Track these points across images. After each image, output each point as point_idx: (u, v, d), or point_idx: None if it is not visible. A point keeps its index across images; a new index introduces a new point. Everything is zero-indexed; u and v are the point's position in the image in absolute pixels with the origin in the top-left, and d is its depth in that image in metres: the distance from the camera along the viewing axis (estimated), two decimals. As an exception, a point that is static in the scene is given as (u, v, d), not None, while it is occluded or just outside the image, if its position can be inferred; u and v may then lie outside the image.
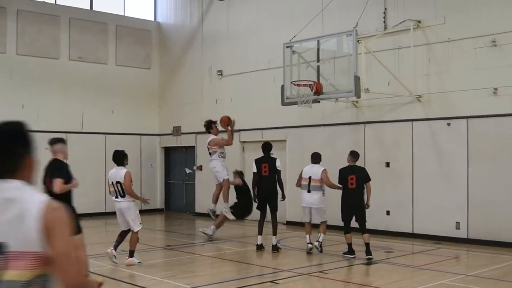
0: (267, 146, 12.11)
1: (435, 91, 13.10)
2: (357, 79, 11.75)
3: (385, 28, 13.90)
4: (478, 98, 12.37)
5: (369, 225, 11.29)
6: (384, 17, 14.01)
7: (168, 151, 20.53)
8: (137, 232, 10.10)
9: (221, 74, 18.16)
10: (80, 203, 17.45)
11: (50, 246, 2.34)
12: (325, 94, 12.34)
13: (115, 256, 10.09)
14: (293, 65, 13.10)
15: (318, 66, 12.53)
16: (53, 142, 8.25)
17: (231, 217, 13.30)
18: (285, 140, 16.23)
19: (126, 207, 10.03)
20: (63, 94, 18.23)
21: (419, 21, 13.33)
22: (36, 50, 17.82)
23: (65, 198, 7.39)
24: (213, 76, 18.45)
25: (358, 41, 12.18)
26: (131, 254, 10.18)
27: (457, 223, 12.64)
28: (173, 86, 20.03)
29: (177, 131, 19.71)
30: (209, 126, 13.57)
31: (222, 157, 13.38)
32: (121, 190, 9.99)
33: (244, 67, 17.33)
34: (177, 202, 20.08)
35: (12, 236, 2.34)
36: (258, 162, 11.88)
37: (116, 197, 10.08)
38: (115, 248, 10.17)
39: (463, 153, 12.59)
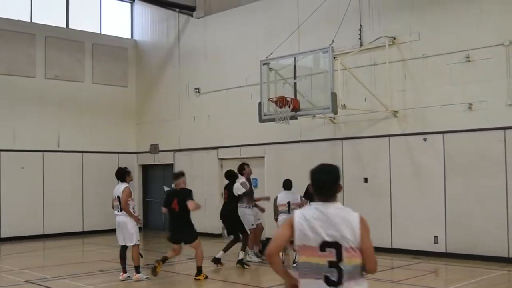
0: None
1: (411, 107, 13.24)
2: (333, 96, 11.83)
3: (361, 44, 14.04)
4: (453, 113, 12.52)
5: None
6: (360, 34, 14.15)
7: (146, 169, 20.42)
8: (136, 247, 10.42)
9: (198, 91, 18.17)
10: (57, 221, 17.47)
11: (362, 243, 3.79)
12: (302, 110, 12.39)
13: (129, 277, 10.50)
14: (270, 82, 13.10)
15: (295, 83, 12.57)
16: (177, 176, 10.96)
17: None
18: (263, 157, 16.21)
19: (123, 221, 10.46)
20: (39, 113, 18.09)
21: (394, 38, 13.49)
22: (11, 68, 17.67)
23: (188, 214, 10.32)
24: (190, 93, 18.45)
25: (334, 57, 12.28)
26: (137, 270, 10.50)
27: (435, 237, 12.73)
28: (151, 103, 20.00)
29: (154, 148, 19.63)
30: (241, 168, 12.81)
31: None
32: (120, 204, 10.51)
33: (222, 84, 17.38)
34: (155, 220, 19.91)
35: (347, 237, 3.77)
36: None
37: (117, 211, 10.54)
38: (124, 271, 10.55)
39: (440, 168, 12.70)
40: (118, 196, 10.48)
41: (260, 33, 16.43)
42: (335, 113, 12.13)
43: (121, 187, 10.55)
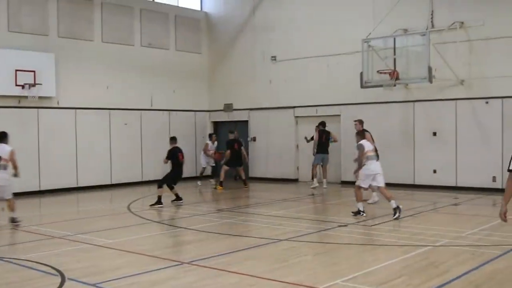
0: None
1: (475, 77, 16.99)
2: (429, 69, 15.49)
3: (433, 26, 17.62)
4: (511, 82, 16.35)
5: (419, 182, 16.54)
6: (432, 17, 17.72)
7: (217, 125, 23.70)
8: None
9: (275, 59, 21.46)
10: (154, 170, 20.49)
11: None
12: (402, 79, 16.00)
13: None
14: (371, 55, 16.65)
15: (394, 58, 16.14)
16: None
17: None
18: (340, 115, 19.79)
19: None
20: (136, 77, 21.07)
21: (462, 22, 17.12)
22: (116, 37, 20.51)
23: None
24: (266, 60, 21.73)
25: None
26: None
27: (494, 177, 16.66)
28: (223, 68, 23.21)
29: (228, 107, 22.90)
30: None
31: None
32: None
33: (298, 54, 20.70)
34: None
35: None
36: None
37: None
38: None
39: (498, 124, 16.57)
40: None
41: (335, 11, 19.79)
42: (431, 82, 15.79)
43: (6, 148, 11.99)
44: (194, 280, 7.54)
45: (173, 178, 15.31)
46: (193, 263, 8.40)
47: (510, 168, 6.11)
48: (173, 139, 15.63)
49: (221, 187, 18.82)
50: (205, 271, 7.94)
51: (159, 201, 14.66)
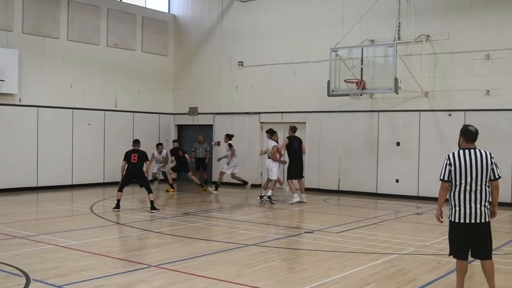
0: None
1: (439, 90, 17.33)
2: (396, 80, 15.73)
3: (399, 38, 17.91)
4: (474, 96, 16.73)
5: (381, 191, 16.73)
6: (398, 30, 18.02)
7: (181, 128, 23.56)
8: None
9: (242, 65, 21.48)
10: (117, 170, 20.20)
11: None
12: (368, 89, 16.20)
13: None
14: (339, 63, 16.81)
15: (361, 68, 16.34)
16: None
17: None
18: (305, 122, 19.89)
19: None
20: (102, 77, 20.81)
21: (428, 36, 17.46)
22: (82, 36, 20.21)
23: None
24: (233, 66, 21.73)
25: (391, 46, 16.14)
26: None
27: (454, 188, 16.95)
28: (189, 72, 23.12)
29: (193, 111, 22.80)
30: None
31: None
32: None
33: (265, 60, 20.78)
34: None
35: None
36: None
37: None
38: None
39: (460, 137, 16.89)
40: None
41: (304, 20, 19.94)
42: (397, 93, 16.03)
43: None
44: (163, 283, 7.45)
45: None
46: (161, 266, 8.31)
47: (442, 177, 6.63)
48: (135, 142, 15.54)
49: (172, 190, 19.19)
50: (174, 275, 7.86)
51: (117, 205, 14.45)
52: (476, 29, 16.81)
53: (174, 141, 20.63)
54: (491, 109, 16.51)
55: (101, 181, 20.68)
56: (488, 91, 16.59)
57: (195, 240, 10.61)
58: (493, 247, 9.72)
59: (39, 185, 18.85)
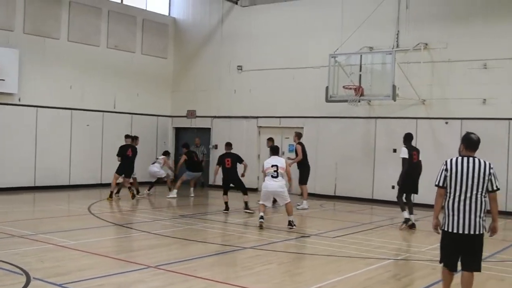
0: None
1: (436, 98, 17.48)
2: (394, 87, 15.87)
3: (397, 46, 18.06)
4: (470, 105, 16.86)
5: (380, 197, 16.84)
6: (397, 37, 18.16)
7: (179, 131, 23.66)
8: None
9: (241, 69, 21.60)
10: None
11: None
12: (366, 96, 16.33)
13: None
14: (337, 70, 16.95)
15: (360, 74, 16.48)
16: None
17: None
18: (303, 127, 20.02)
19: None
20: (101, 78, 20.89)
21: (426, 44, 17.61)
22: (82, 37, 20.31)
23: None
24: (232, 70, 21.86)
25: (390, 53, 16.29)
26: None
27: (450, 196, 17.10)
28: (187, 75, 23.23)
29: (191, 114, 22.91)
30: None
31: None
32: None
33: (265, 65, 20.90)
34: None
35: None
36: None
37: None
38: None
39: (456, 145, 16.75)
40: None
41: (304, 26, 20.09)
42: (394, 100, 16.17)
43: None
44: (162, 284, 7.55)
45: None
46: (160, 267, 8.40)
47: (437, 183, 6.44)
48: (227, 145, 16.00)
49: (111, 198, 16.91)
50: (172, 276, 7.96)
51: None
52: (474, 38, 16.96)
53: (126, 136, 18.25)
54: (487, 118, 16.65)
55: (98, 182, 20.73)
56: (484, 100, 16.74)
57: (193, 242, 10.70)
58: (487, 254, 9.92)
59: (36, 185, 18.90)
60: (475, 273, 6.51)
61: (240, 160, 15.46)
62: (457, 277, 7.00)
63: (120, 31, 21.55)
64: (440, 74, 17.48)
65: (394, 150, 18.12)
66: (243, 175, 15.57)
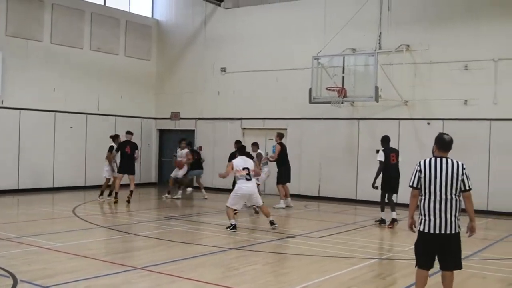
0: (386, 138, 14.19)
1: (419, 99, 17.69)
2: (376, 88, 16.04)
3: (380, 48, 18.25)
4: (452, 106, 17.11)
5: (364, 197, 17.20)
6: (379, 39, 18.35)
7: (163, 133, 23.68)
8: None
9: (224, 71, 21.68)
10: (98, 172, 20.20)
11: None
12: (349, 97, 16.49)
13: None
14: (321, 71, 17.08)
15: (343, 76, 16.64)
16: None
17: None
18: (286, 129, 20.14)
19: None
20: (84, 80, 20.85)
21: (408, 45, 17.82)
22: (65, 40, 20.26)
23: None
24: (215, 72, 21.92)
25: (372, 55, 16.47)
26: None
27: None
28: (171, 77, 23.29)
29: (175, 116, 22.94)
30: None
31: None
32: None
33: (248, 67, 21.00)
34: (167, 176, 23.15)
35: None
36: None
37: None
38: None
39: (438, 145, 17.25)
40: None
41: (287, 27, 20.23)
42: (377, 101, 16.34)
43: None
44: (149, 285, 7.61)
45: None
46: (146, 268, 8.45)
47: (411, 184, 6.54)
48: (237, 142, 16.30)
49: (116, 199, 16.71)
50: (160, 277, 8.01)
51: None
52: (455, 40, 17.20)
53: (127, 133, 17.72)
54: (468, 119, 16.90)
55: (82, 184, 20.69)
56: (466, 100, 16.98)
57: (179, 244, 10.75)
58: (470, 253, 10.10)
59: (20, 188, 18.82)
60: (458, 272, 6.62)
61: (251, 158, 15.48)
62: (436, 277, 7.18)
63: (103, 33, 21.53)
64: (422, 75, 17.70)
65: (377, 151, 18.07)
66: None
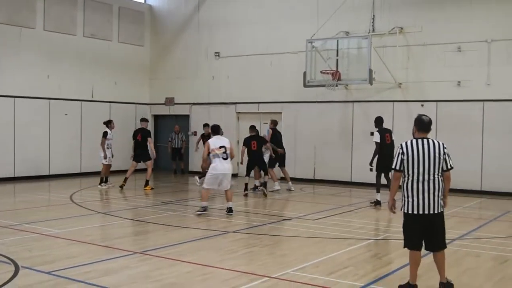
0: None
1: (412, 81, 17.78)
2: (370, 71, 16.11)
3: (373, 30, 18.30)
4: (445, 87, 17.21)
5: (356, 179, 17.67)
6: (373, 22, 18.38)
7: (158, 118, 23.71)
8: None
9: (218, 55, 21.68)
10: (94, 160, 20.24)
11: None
12: (343, 80, 16.56)
13: None
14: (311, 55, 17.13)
15: (337, 59, 16.68)
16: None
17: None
18: (281, 113, 20.22)
19: None
20: (78, 67, 20.82)
21: (401, 28, 17.87)
22: (58, 26, 20.20)
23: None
24: (209, 56, 21.92)
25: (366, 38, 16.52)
26: None
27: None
28: (165, 62, 23.27)
29: (170, 101, 22.96)
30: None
31: None
32: None
33: (242, 51, 21.01)
34: (164, 162, 23.28)
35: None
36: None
37: None
38: None
39: (432, 127, 17.31)
40: None
41: (281, 11, 20.23)
42: (371, 84, 16.42)
43: None
44: (149, 269, 7.70)
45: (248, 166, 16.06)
46: (146, 253, 8.55)
47: (393, 167, 6.58)
48: (252, 128, 16.24)
49: (124, 182, 16.85)
50: (159, 261, 8.12)
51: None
52: (448, 22, 17.26)
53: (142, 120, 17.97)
54: (462, 100, 17.00)
55: (78, 171, 20.75)
56: (459, 82, 17.08)
57: (177, 228, 10.86)
58: (464, 232, 10.26)
59: (16, 176, 18.87)
60: (453, 250, 6.76)
61: (265, 142, 16.13)
62: (426, 258, 7.31)
63: (96, 20, 21.47)
64: (416, 57, 17.77)
65: (372, 133, 18.22)
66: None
